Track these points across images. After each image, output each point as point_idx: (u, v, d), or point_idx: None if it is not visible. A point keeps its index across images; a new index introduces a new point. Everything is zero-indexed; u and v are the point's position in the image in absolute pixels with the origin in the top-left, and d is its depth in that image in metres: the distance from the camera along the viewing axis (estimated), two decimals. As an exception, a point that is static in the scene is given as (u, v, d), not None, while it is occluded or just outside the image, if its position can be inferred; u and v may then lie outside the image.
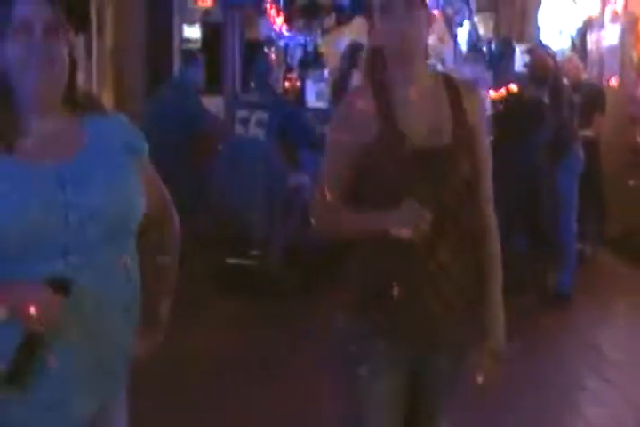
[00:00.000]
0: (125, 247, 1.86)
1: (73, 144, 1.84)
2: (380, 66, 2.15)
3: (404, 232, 1.95)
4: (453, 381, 2.20)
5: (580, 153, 6.13)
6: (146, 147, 1.97)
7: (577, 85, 6.83)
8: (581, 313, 5.83)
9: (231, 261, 6.03)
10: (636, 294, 6.35)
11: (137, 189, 1.87)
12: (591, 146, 6.70)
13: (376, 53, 2.16)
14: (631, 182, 7.44)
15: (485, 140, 2.21)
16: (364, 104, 2.11)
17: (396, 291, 2.06)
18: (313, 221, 2.17)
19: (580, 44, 8.87)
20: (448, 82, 2.18)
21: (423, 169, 2.04)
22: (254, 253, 5.98)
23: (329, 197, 2.11)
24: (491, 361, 2.17)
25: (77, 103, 1.88)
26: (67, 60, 1.81)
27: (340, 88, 6.44)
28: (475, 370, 2.16)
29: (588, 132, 6.85)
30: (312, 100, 8.33)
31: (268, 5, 9.64)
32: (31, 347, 1.67)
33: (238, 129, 6.04)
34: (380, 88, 2.13)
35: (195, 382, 4.17)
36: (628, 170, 7.48)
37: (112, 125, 1.92)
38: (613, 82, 7.86)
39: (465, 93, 2.17)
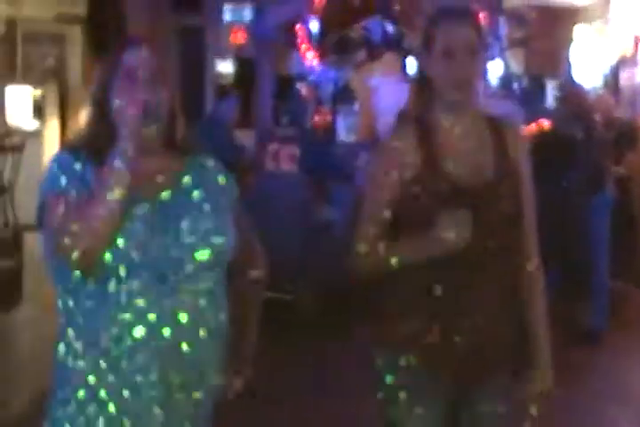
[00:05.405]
0: (215, 280, 1.92)
1: (170, 183, 1.92)
2: (427, 98, 2.16)
3: (450, 236, 1.96)
4: (495, 414, 2.17)
5: (612, 190, 6.11)
6: (237, 191, 2.06)
7: (608, 123, 6.82)
8: (613, 351, 5.76)
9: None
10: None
11: (230, 228, 1.94)
12: (623, 183, 6.68)
13: (426, 85, 2.15)
14: (663, 220, 7.37)
15: (528, 180, 2.20)
16: (407, 142, 2.11)
17: (436, 330, 2.07)
18: (355, 261, 2.16)
19: (612, 82, 8.86)
20: (490, 121, 2.20)
21: (464, 208, 2.03)
22: (286, 288, 5.96)
23: (370, 235, 2.12)
24: (540, 394, 2.18)
25: (177, 146, 1.97)
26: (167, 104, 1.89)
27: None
28: (527, 402, 2.17)
29: (619, 170, 6.84)
30: (343, 135, 8.37)
31: (300, 40, 9.73)
32: None
33: (269, 163, 6.08)
34: (425, 125, 2.14)
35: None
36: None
37: (209, 168, 2.01)
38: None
39: (507, 132, 2.19)
